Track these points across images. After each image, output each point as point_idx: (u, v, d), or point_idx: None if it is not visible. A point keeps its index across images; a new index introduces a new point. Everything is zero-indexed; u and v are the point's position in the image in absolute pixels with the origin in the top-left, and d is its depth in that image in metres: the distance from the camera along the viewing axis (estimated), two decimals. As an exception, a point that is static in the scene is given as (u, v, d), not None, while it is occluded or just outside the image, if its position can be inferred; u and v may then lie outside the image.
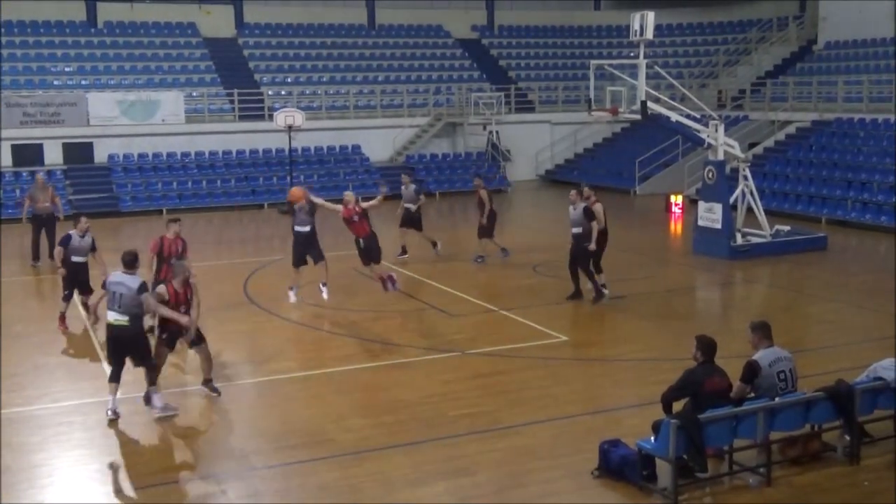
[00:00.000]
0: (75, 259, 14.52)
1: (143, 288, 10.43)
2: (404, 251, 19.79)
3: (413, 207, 19.85)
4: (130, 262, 10.70)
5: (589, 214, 15.30)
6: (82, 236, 14.57)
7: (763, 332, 9.19)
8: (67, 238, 14.50)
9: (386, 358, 12.82)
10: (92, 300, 13.90)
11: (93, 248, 14.70)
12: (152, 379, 10.64)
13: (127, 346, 10.51)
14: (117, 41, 34.35)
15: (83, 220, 14.82)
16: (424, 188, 28.17)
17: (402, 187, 20.39)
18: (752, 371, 8.89)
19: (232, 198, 29.86)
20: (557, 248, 18.31)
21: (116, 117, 30.39)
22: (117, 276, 10.61)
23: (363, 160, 32.76)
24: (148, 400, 10.68)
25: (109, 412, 10.48)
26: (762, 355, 9.02)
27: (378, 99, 34.83)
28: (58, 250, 14.84)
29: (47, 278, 18.50)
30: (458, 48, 39.51)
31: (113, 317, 10.39)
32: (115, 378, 10.60)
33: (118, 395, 10.56)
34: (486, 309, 15.54)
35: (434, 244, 20.15)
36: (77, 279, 14.65)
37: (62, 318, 14.53)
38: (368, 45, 38.12)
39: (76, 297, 14.89)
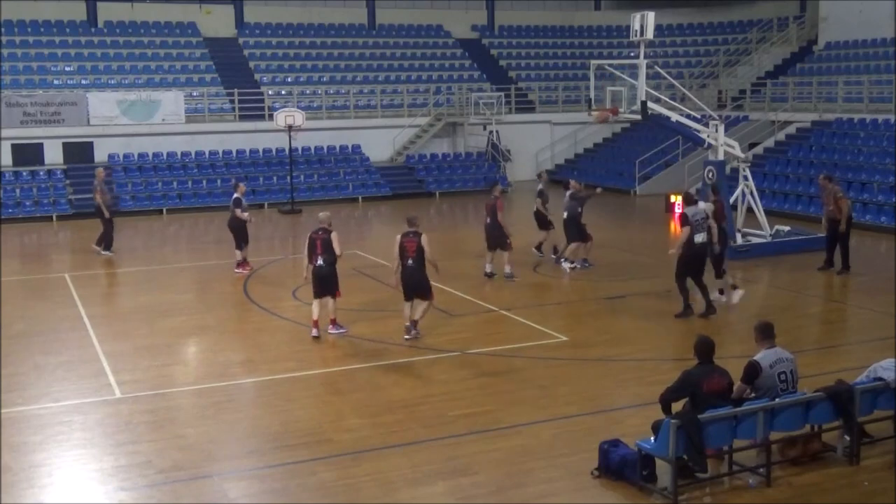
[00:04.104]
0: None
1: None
2: None
3: None
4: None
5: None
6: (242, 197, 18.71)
7: (764, 332, 9.18)
8: (239, 200, 18.49)
9: (386, 358, 12.81)
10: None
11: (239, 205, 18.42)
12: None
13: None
14: (117, 41, 34.37)
15: (241, 184, 19.22)
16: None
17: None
18: (752, 371, 8.88)
19: (232, 198, 29.77)
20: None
21: (116, 117, 30.38)
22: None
23: (363, 160, 32.75)
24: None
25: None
26: (763, 356, 9.01)
27: (378, 99, 34.83)
28: (236, 211, 18.41)
29: (46, 278, 18.49)
30: (458, 48, 39.51)
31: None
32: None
33: None
34: (486, 309, 15.53)
35: None
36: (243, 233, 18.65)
37: (241, 263, 18.60)
38: (368, 45, 38.12)
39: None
